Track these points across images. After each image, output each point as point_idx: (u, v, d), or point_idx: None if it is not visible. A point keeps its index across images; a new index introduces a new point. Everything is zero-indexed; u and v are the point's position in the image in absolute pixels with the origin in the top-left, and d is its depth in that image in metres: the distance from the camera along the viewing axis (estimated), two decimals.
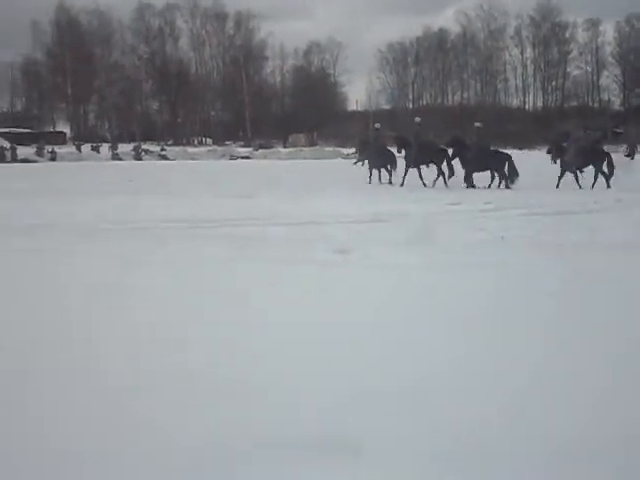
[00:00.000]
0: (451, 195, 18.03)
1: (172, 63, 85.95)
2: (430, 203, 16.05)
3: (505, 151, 23.84)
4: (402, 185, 22.40)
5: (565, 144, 21.45)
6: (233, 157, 54.02)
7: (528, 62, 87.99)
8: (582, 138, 21.55)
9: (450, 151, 22.71)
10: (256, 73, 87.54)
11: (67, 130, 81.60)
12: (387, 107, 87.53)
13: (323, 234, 10.59)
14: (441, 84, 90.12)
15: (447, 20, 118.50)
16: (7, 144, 50.35)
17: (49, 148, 51.71)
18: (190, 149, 62.23)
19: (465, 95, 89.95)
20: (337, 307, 6.01)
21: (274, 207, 14.74)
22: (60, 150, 53.49)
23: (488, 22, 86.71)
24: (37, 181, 24.33)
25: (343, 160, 39.17)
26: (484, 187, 21.25)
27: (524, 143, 60.66)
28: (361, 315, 5.74)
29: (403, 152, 24.23)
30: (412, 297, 6.50)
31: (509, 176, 21.34)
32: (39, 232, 10.90)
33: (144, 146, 56.50)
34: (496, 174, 21.73)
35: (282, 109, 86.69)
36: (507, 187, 21.14)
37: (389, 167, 24.39)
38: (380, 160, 24.63)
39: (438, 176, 22.17)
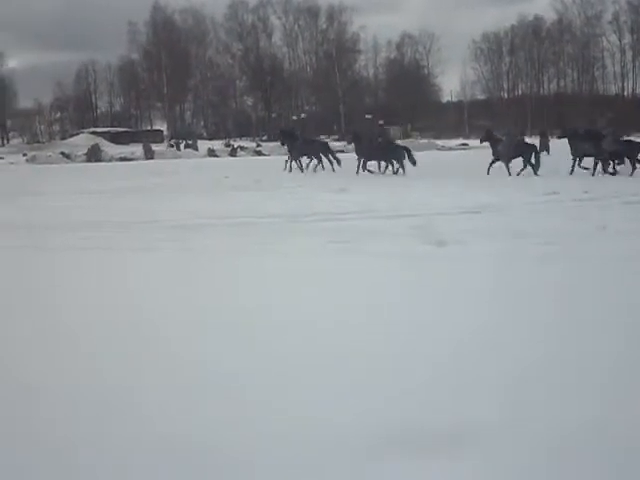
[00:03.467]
0: (546, 185, 17.58)
1: (265, 59, 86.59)
2: (526, 193, 15.71)
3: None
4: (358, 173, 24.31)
5: None
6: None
7: (627, 48, 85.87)
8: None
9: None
10: (349, 67, 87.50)
11: (164, 128, 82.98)
12: (482, 97, 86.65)
13: (420, 226, 10.39)
14: (537, 73, 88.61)
15: (542, 7, 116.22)
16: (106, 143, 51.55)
17: (148, 146, 52.59)
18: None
19: (561, 84, 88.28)
20: (441, 302, 5.87)
21: (369, 200, 14.59)
22: (157, 148, 54.41)
23: (584, 8, 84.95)
24: (135, 179, 24.66)
25: (437, 152, 38.82)
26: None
27: (623, 130, 59.22)
28: (463, 310, 5.59)
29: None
30: (518, 289, 6.30)
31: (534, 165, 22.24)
32: (138, 229, 10.99)
33: (239, 142, 56.99)
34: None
35: (376, 102, 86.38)
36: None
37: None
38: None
39: (524, 167, 22.40)
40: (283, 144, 29.34)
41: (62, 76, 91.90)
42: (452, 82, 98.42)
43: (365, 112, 79.80)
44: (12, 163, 49.78)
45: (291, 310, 5.68)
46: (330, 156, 26.85)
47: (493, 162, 23.11)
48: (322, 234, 9.76)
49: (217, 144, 56.11)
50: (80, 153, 51.98)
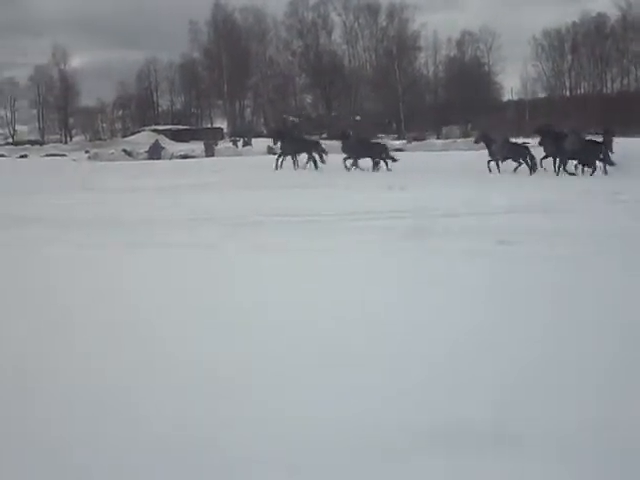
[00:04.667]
0: (613, 185, 17.30)
1: (325, 57, 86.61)
2: (591, 193, 15.48)
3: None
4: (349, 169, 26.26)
5: None
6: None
7: None
8: None
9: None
10: (409, 64, 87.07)
11: (224, 126, 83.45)
12: (543, 95, 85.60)
13: (482, 224, 10.31)
14: (600, 71, 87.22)
15: (605, 4, 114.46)
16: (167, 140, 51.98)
17: (208, 144, 52.85)
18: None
19: (625, 82, 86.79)
20: (509, 301, 5.83)
21: (430, 199, 14.50)
22: (218, 146, 54.71)
23: None
24: (196, 176, 24.84)
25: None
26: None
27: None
28: (531, 307, 5.55)
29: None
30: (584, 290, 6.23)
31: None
32: (198, 226, 11.05)
33: None
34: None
35: (435, 100, 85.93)
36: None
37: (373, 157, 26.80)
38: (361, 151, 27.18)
39: (583, 166, 22.61)
40: (275, 143, 31.02)
41: (124, 74, 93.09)
42: (513, 80, 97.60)
43: (424, 111, 79.61)
44: (74, 160, 50.44)
45: (380, 306, 5.68)
46: (384, 156, 27.11)
47: (490, 162, 24.31)
48: (386, 232, 9.72)
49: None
50: (141, 150, 52.46)
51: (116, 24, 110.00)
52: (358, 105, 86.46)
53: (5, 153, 65.66)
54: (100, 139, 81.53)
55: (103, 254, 8.56)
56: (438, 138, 71.01)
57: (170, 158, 48.91)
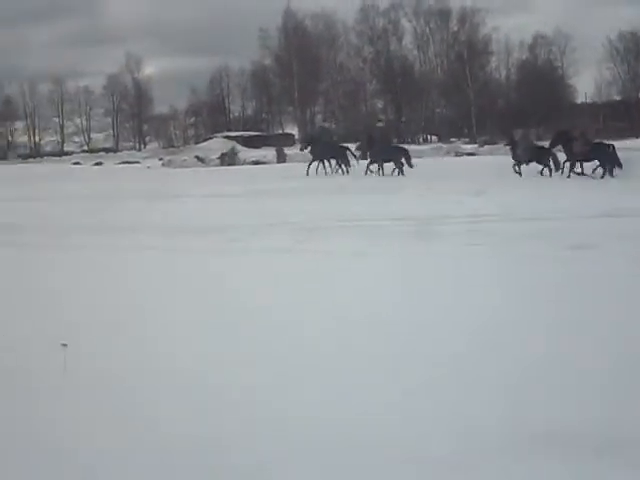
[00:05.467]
0: None
1: (396, 62, 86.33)
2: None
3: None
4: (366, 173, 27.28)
5: None
6: (458, 154, 53.36)
7: None
8: None
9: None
10: (481, 69, 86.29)
11: (295, 132, 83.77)
12: (618, 98, 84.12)
13: (556, 230, 10.17)
14: None
15: None
16: (239, 147, 52.36)
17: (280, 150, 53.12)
18: (415, 147, 62.15)
19: None
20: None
21: (505, 203, 14.35)
22: (289, 151, 54.91)
23: None
24: (268, 182, 24.99)
25: None
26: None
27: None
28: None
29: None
30: None
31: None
32: (274, 231, 11.10)
33: None
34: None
35: (507, 104, 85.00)
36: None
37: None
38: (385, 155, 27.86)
39: (604, 170, 22.57)
40: (305, 148, 32.13)
41: (196, 82, 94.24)
42: (586, 83, 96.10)
43: (496, 114, 78.91)
44: (149, 167, 51.15)
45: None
46: (407, 161, 27.67)
47: (515, 165, 24.66)
48: (463, 237, 9.66)
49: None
50: (214, 157, 52.95)
51: (189, 32, 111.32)
52: (429, 110, 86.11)
53: (80, 161, 66.90)
54: (173, 146, 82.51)
55: (199, 259, 8.65)
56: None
57: (242, 164, 49.29)
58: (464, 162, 26.90)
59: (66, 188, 25.83)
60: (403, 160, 27.71)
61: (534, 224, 11.10)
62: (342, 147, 31.31)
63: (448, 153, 54.55)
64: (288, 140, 73.17)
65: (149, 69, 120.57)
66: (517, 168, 24.50)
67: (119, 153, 76.88)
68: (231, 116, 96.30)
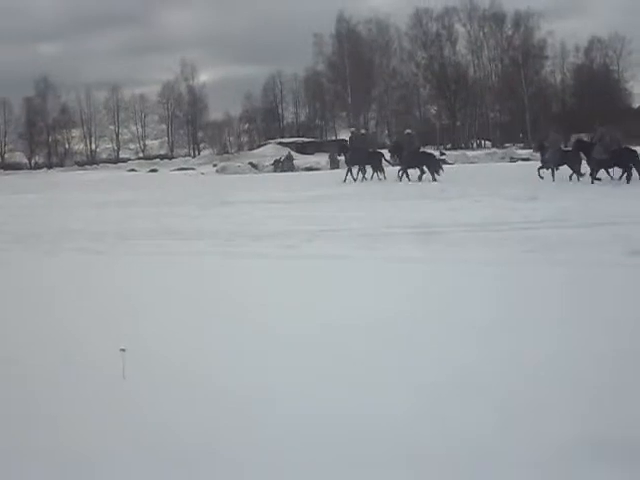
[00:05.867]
0: None
1: (450, 67, 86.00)
2: None
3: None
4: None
5: None
6: (513, 159, 52.94)
7: None
8: None
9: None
10: (535, 73, 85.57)
11: (348, 138, 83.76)
12: None
13: (616, 235, 10.04)
14: None
15: None
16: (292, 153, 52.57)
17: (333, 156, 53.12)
18: (469, 152, 61.82)
19: None
20: None
21: (560, 208, 14.22)
22: (342, 158, 54.87)
23: None
24: (322, 189, 25.03)
25: None
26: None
27: None
28: None
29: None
30: None
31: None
32: (329, 237, 11.13)
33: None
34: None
35: (563, 109, 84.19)
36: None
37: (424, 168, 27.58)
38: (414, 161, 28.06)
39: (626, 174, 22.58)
40: (340, 155, 33.48)
41: (251, 88, 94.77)
42: None
43: (551, 119, 78.04)
44: (203, 173, 51.56)
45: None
46: (434, 167, 27.96)
47: (540, 169, 25.05)
48: (516, 244, 9.59)
49: None
50: (267, 163, 53.20)
51: (243, 40, 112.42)
52: (483, 115, 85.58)
53: (136, 168, 67.64)
54: (227, 152, 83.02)
55: (259, 265, 8.71)
56: (566, 146, 69.40)
57: (295, 170, 49.44)
58: (517, 167, 26.67)
59: (123, 194, 26.16)
60: (436, 166, 27.93)
61: (592, 230, 10.98)
62: (376, 153, 31.51)
63: (502, 158, 54.20)
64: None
65: (204, 76, 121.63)
66: (540, 172, 24.72)
67: (174, 160, 77.53)
68: (284, 122, 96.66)
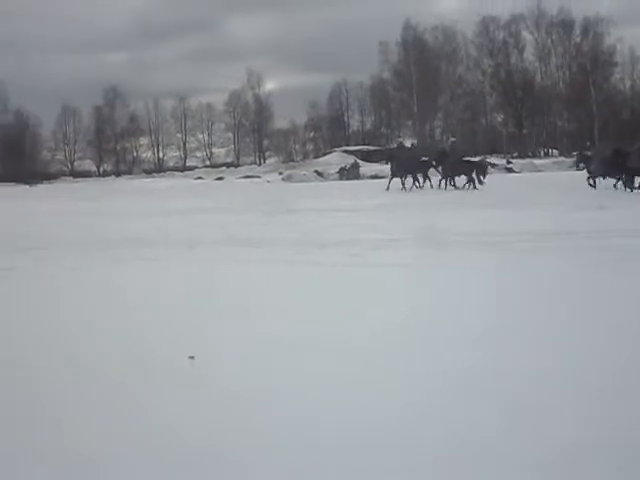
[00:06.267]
0: None
1: (516, 75, 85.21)
2: None
3: None
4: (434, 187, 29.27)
5: None
6: (580, 168, 52.18)
7: None
8: None
9: None
10: (604, 80, 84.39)
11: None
12: None
13: None
14: None
15: None
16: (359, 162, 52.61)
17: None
18: (536, 161, 61.22)
19: None
20: None
21: (630, 218, 13.99)
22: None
23: None
24: (388, 197, 25.01)
25: None
26: None
27: None
28: None
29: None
30: None
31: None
32: (391, 246, 11.10)
33: (489, 159, 56.49)
34: None
35: (632, 117, 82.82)
36: None
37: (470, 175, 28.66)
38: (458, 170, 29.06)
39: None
40: (386, 164, 34.55)
41: (316, 96, 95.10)
42: None
43: (620, 127, 76.86)
44: (269, 181, 51.92)
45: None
46: (480, 175, 28.87)
47: (589, 179, 25.39)
48: (594, 253, 9.45)
49: None
50: (332, 171, 53.32)
51: (308, 48, 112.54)
52: (551, 123, 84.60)
53: (202, 175, 68.34)
54: (293, 160, 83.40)
55: (324, 273, 8.72)
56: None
57: (361, 178, 49.46)
58: (583, 176, 26.34)
59: (189, 202, 26.43)
60: (479, 174, 28.62)
61: None
62: (422, 162, 31.98)
63: (570, 167, 53.39)
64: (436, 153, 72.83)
65: (270, 84, 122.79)
66: (591, 182, 25.11)
67: (240, 168, 78.13)
68: (350, 130, 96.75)
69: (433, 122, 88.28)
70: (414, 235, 12.34)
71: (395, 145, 40.42)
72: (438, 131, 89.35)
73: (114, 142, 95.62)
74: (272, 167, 74.48)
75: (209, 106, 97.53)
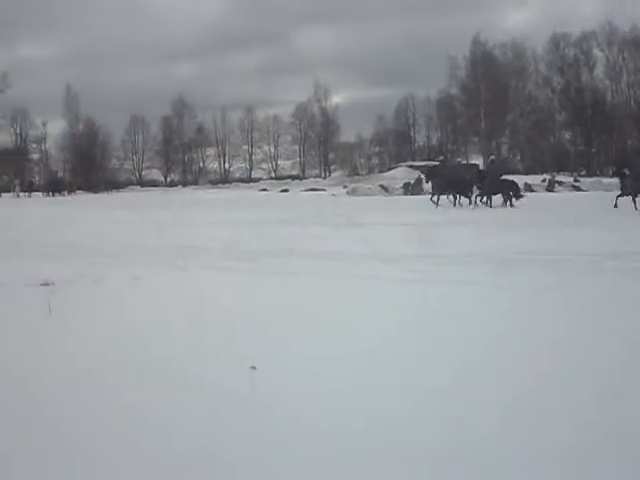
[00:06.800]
0: None
1: (586, 93, 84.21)
2: None
3: None
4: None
5: None
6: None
7: None
8: None
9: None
10: None
11: (480, 162, 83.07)
12: None
13: None
14: None
15: None
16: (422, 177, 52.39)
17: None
18: (604, 180, 60.28)
19: None
20: None
21: None
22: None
23: None
24: (451, 213, 24.86)
25: None
26: None
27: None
28: None
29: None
30: None
31: None
32: (458, 262, 11.02)
33: (557, 177, 55.90)
34: None
35: None
36: None
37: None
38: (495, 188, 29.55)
39: None
40: (427, 181, 35.11)
41: (383, 110, 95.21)
42: None
43: None
44: (333, 195, 51.93)
45: None
46: (515, 193, 29.38)
47: (619, 196, 25.26)
48: None
49: (534, 178, 55.11)
50: (397, 186, 53.16)
51: (375, 62, 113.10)
52: (621, 142, 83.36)
53: (268, 187, 68.72)
54: (358, 174, 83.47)
55: (394, 289, 8.70)
56: None
57: (425, 194, 49.24)
58: None
59: (254, 213, 26.60)
60: (514, 193, 29.15)
61: None
62: (461, 181, 32.25)
63: None
64: (473, 171, 72.55)
65: (336, 98, 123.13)
66: (618, 200, 24.97)
67: (305, 180, 78.44)
68: (416, 145, 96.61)
69: (500, 139, 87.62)
70: (478, 251, 12.26)
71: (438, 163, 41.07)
72: (505, 148, 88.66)
73: (181, 152, 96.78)
74: (337, 180, 74.60)
75: (276, 118, 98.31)
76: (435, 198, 30.85)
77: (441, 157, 38.95)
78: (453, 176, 32.48)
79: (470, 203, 30.13)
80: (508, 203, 28.91)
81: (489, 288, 8.52)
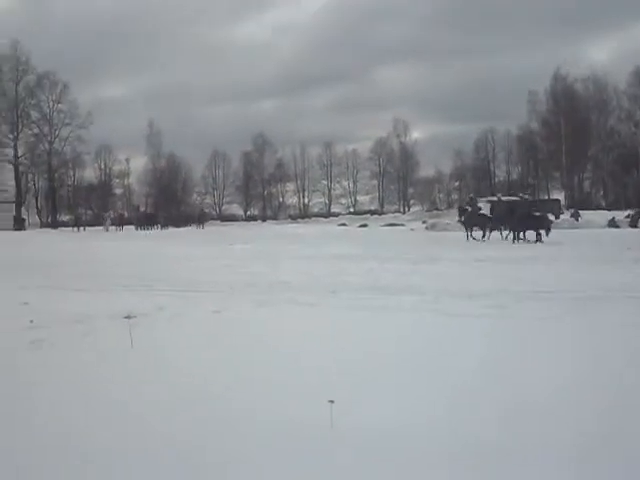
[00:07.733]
0: None
1: None
2: None
3: None
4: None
5: None
6: None
7: None
8: None
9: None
10: None
11: (561, 197, 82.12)
12: None
13: None
14: None
15: None
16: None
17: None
18: None
19: None
20: None
21: None
22: (552, 218, 53.85)
23: None
24: (530, 249, 24.63)
25: None
26: None
27: None
28: None
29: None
30: None
31: None
32: (533, 299, 10.97)
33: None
34: None
35: None
36: None
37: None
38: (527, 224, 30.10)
39: None
40: (460, 217, 37.35)
41: (462, 145, 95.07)
42: None
43: None
44: (412, 230, 51.94)
45: None
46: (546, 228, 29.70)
47: None
48: None
49: (617, 214, 54.30)
50: None
51: (455, 96, 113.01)
52: None
53: (346, 222, 69.00)
54: (437, 209, 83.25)
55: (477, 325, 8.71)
56: None
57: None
58: None
59: (333, 248, 26.74)
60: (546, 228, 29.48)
61: None
62: (486, 217, 34.07)
63: None
64: (555, 206, 71.76)
65: (415, 133, 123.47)
66: None
67: (383, 215, 78.59)
68: (495, 180, 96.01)
69: (582, 174, 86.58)
70: (559, 288, 12.18)
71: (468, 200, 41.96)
72: (587, 183, 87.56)
73: (261, 187, 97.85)
74: (416, 215, 74.54)
75: (354, 153, 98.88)
76: (469, 233, 32.99)
77: (471, 194, 40.76)
78: (475, 212, 34.38)
79: (484, 236, 32.23)
80: (539, 238, 29.18)
81: (565, 325, 8.47)
